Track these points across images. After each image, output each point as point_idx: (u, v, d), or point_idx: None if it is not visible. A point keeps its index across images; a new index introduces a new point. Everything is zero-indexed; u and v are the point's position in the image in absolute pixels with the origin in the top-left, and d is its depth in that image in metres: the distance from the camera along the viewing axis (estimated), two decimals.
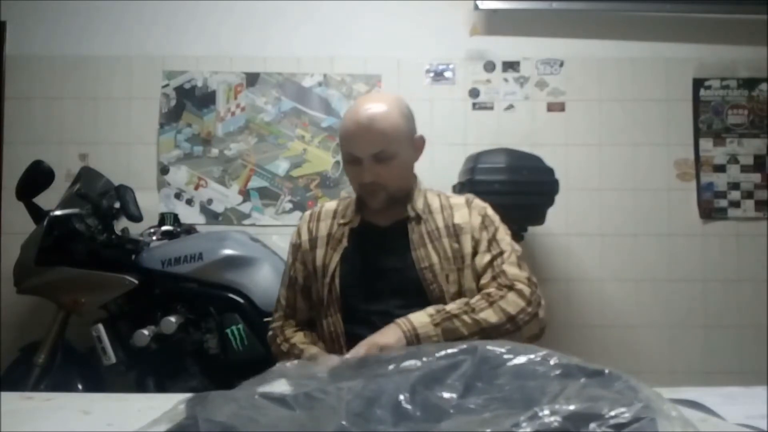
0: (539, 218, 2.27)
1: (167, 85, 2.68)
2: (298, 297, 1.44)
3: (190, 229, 2.50)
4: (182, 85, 2.68)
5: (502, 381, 0.66)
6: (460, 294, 1.31)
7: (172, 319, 2.01)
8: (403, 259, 1.34)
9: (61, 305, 2.18)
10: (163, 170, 2.66)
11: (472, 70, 2.69)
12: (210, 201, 2.65)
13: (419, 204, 1.39)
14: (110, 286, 2.12)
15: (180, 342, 2.05)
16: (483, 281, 1.31)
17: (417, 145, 1.42)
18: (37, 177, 2.11)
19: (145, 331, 2.00)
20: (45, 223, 2.13)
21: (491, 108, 2.68)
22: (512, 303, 1.25)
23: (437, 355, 0.72)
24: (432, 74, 2.70)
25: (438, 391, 0.67)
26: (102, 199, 2.23)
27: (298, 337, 1.38)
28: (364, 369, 0.78)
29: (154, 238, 2.34)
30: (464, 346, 0.73)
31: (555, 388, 0.64)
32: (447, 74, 2.69)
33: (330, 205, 1.50)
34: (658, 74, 2.69)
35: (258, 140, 2.67)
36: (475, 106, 2.69)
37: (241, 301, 2.10)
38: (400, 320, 1.22)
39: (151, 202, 2.56)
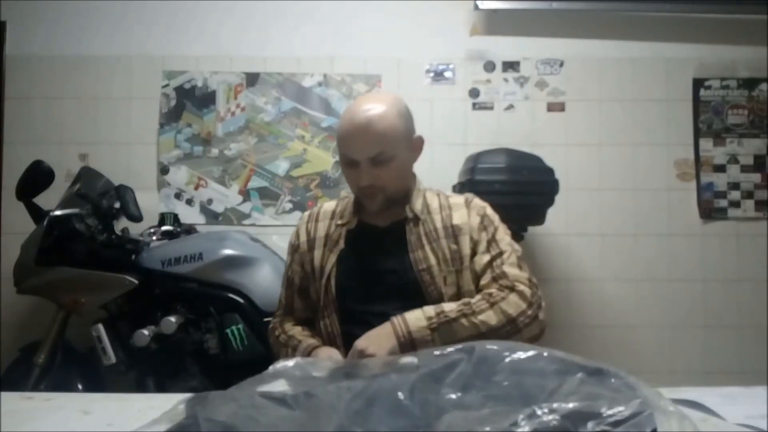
0: (539, 218, 2.27)
1: (167, 85, 2.68)
2: (296, 297, 1.45)
3: (190, 229, 2.50)
4: (182, 85, 2.68)
5: (500, 378, 0.67)
6: (458, 295, 1.30)
7: (172, 319, 2.01)
8: (400, 260, 1.33)
9: (61, 305, 2.18)
10: (163, 170, 2.66)
11: (472, 70, 2.69)
12: (210, 201, 2.65)
13: (418, 205, 1.38)
14: (110, 286, 2.12)
15: (180, 342, 2.05)
16: (483, 281, 1.30)
17: (415, 145, 1.40)
18: (37, 177, 2.11)
19: (145, 331, 2.00)
20: (45, 223, 2.13)
21: (491, 108, 2.68)
22: (513, 304, 1.23)
23: (435, 354, 0.73)
24: (432, 74, 2.70)
25: (437, 389, 0.67)
26: (102, 199, 2.23)
27: (297, 330, 1.39)
28: (362, 370, 0.78)
29: (154, 238, 2.34)
30: (461, 345, 0.74)
31: (552, 384, 0.64)
32: (447, 74, 2.69)
33: (329, 205, 1.50)
34: (658, 74, 2.69)
35: (258, 140, 2.67)
36: (475, 106, 2.69)
37: (241, 301, 2.10)
38: (396, 321, 1.20)
39: (151, 202, 2.56)
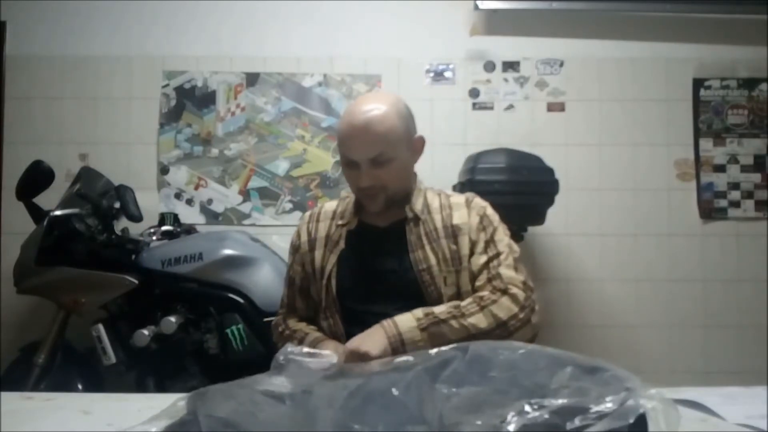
0: (539, 218, 2.27)
1: (167, 85, 2.68)
2: (297, 297, 1.45)
3: (190, 229, 2.50)
4: (182, 85, 2.68)
5: (494, 374, 0.67)
6: (458, 296, 1.29)
7: (172, 319, 2.01)
8: (401, 260, 1.32)
9: (61, 305, 2.18)
10: (163, 170, 2.66)
11: (472, 70, 2.69)
12: (210, 201, 2.65)
13: (418, 204, 1.38)
14: (110, 286, 2.12)
15: (180, 342, 2.05)
16: (478, 283, 1.29)
17: (416, 146, 1.39)
18: (37, 177, 2.11)
19: (145, 331, 2.00)
20: (45, 223, 2.13)
21: (491, 108, 2.68)
22: (504, 308, 1.23)
23: (431, 353, 0.73)
24: (432, 74, 2.70)
25: (432, 385, 0.67)
26: (102, 199, 2.23)
27: (302, 324, 1.40)
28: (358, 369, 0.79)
29: (154, 238, 2.34)
30: (455, 345, 0.74)
31: (544, 380, 0.65)
32: (447, 74, 2.69)
33: (329, 205, 1.50)
34: (658, 74, 2.69)
35: (258, 140, 2.67)
36: (475, 106, 2.69)
37: (241, 301, 2.10)
38: (386, 323, 1.20)
39: (151, 202, 2.56)
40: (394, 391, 0.66)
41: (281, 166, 2.66)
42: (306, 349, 1.19)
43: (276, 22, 2.69)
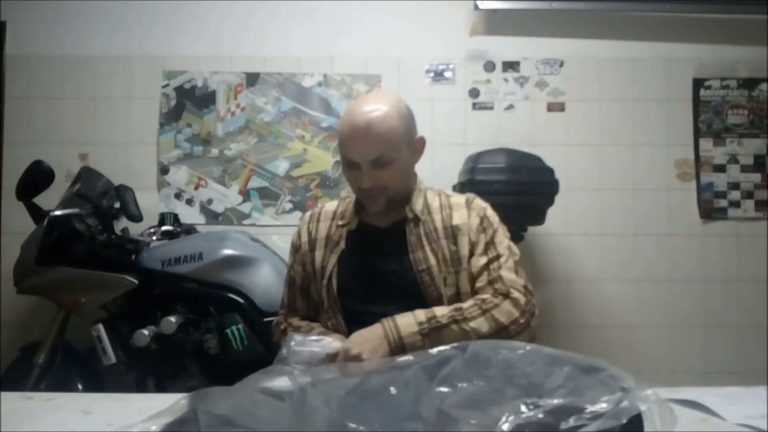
0: (539, 218, 2.27)
1: (167, 85, 2.68)
2: (298, 297, 1.45)
3: (190, 229, 2.50)
4: (182, 85, 2.68)
5: (491, 373, 0.67)
6: (457, 296, 1.30)
7: (172, 319, 2.01)
8: (400, 261, 1.32)
9: (61, 305, 2.18)
10: (163, 170, 2.66)
11: (472, 70, 2.69)
12: (210, 201, 2.65)
13: (418, 205, 1.38)
14: (110, 286, 2.12)
15: (180, 342, 2.05)
16: (479, 284, 1.29)
17: (417, 146, 1.39)
18: (37, 177, 2.11)
19: (145, 331, 2.00)
20: (45, 223, 2.13)
21: (491, 108, 2.68)
22: (506, 312, 1.23)
23: (430, 352, 0.74)
24: (432, 74, 2.70)
25: (429, 384, 0.68)
26: (102, 199, 2.23)
27: (305, 321, 1.40)
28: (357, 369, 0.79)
29: (154, 238, 2.34)
30: (455, 344, 0.75)
31: (540, 378, 0.65)
32: (447, 74, 2.69)
33: (330, 205, 1.50)
34: (658, 74, 2.69)
35: (258, 140, 2.67)
36: (475, 106, 2.69)
37: (241, 301, 2.10)
38: (388, 326, 1.20)
39: (151, 202, 2.56)
40: (392, 390, 0.66)
41: (281, 166, 2.66)
42: (313, 336, 1.20)
43: (276, 22, 2.69)
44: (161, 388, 2.11)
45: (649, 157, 2.67)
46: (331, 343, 1.19)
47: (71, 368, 2.21)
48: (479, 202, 1.41)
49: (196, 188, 2.66)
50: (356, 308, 1.32)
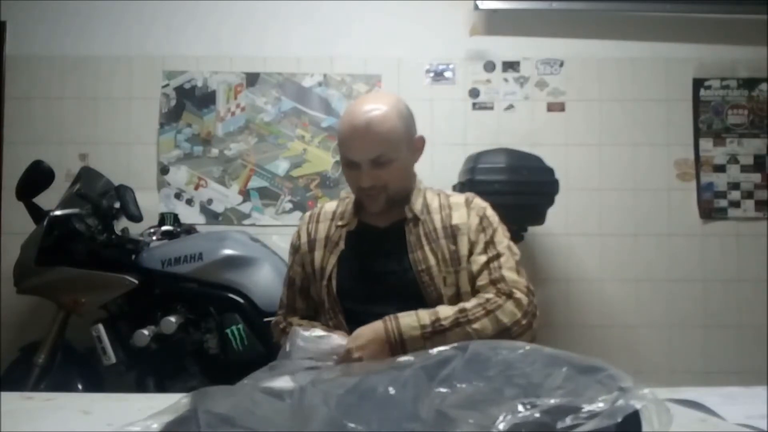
0: (539, 218, 2.27)
1: (167, 85, 2.68)
2: (297, 297, 1.45)
3: (190, 229, 2.50)
4: (182, 85, 2.68)
5: (491, 373, 0.68)
6: (457, 296, 1.29)
7: (172, 319, 2.01)
8: (400, 261, 1.32)
9: (61, 305, 2.18)
10: (163, 170, 2.66)
11: (472, 70, 2.69)
12: (210, 201, 2.65)
13: (418, 205, 1.38)
14: (110, 286, 2.12)
15: (180, 342, 2.05)
16: (480, 282, 1.29)
17: (417, 146, 1.39)
18: (37, 177, 2.11)
19: (145, 331, 2.00)
20: (45, 223, 2.13)
21: (491, 108, 2.68)
22: (509, 313, 1.22)
23: (430, 352, 0.74)
24: (432, 74, 2.70)
25: (429, 384, 0.68)
26: (102, 199, 2.23)
27: (305, 321, 1.40)
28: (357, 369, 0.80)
29: (154, 238, 2.34)
30: (455, 344, 0.75)
31: (539, 378, 0.65)
32: (447, 74, 2.69)
33: (330, 206, 1.50)
34: (658, 74, 2.69)
35: (258, 140, 2.67)
36: (475, 106, 2.69)
37: (241, 301, 2.10)
38: (389, 325, 1.20)
39: (151, 202, 2.56)
40: (391, 390, 0.66)
41: (281, 166, 2.67)
42: (316, 332, 1.21)
43: (276, 22, 2.69)
44: (161, 388, 2.10)
45: (649, 157, 2.67)
46: (336, 339, 1.19)
47: (71, 368, 2.21)
48: (479, 202, 1.41)
49: (196, 188, 2.66)
50: (356, 308, 1.32)
